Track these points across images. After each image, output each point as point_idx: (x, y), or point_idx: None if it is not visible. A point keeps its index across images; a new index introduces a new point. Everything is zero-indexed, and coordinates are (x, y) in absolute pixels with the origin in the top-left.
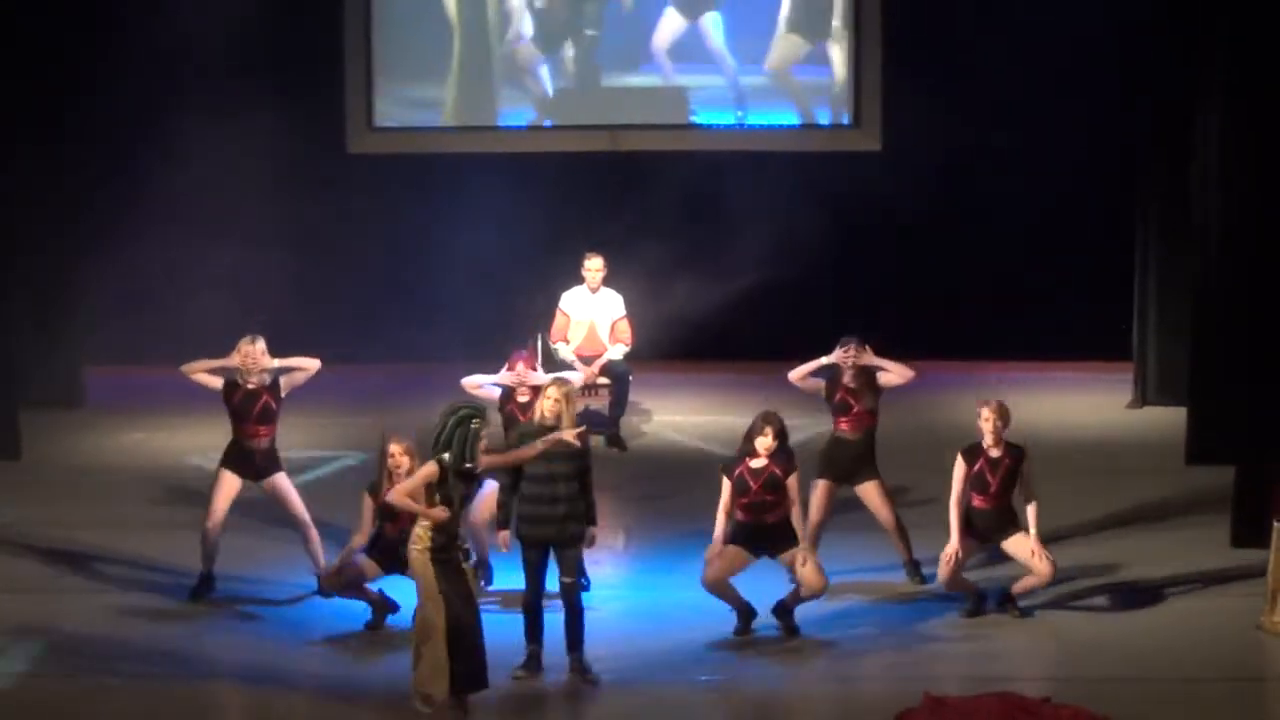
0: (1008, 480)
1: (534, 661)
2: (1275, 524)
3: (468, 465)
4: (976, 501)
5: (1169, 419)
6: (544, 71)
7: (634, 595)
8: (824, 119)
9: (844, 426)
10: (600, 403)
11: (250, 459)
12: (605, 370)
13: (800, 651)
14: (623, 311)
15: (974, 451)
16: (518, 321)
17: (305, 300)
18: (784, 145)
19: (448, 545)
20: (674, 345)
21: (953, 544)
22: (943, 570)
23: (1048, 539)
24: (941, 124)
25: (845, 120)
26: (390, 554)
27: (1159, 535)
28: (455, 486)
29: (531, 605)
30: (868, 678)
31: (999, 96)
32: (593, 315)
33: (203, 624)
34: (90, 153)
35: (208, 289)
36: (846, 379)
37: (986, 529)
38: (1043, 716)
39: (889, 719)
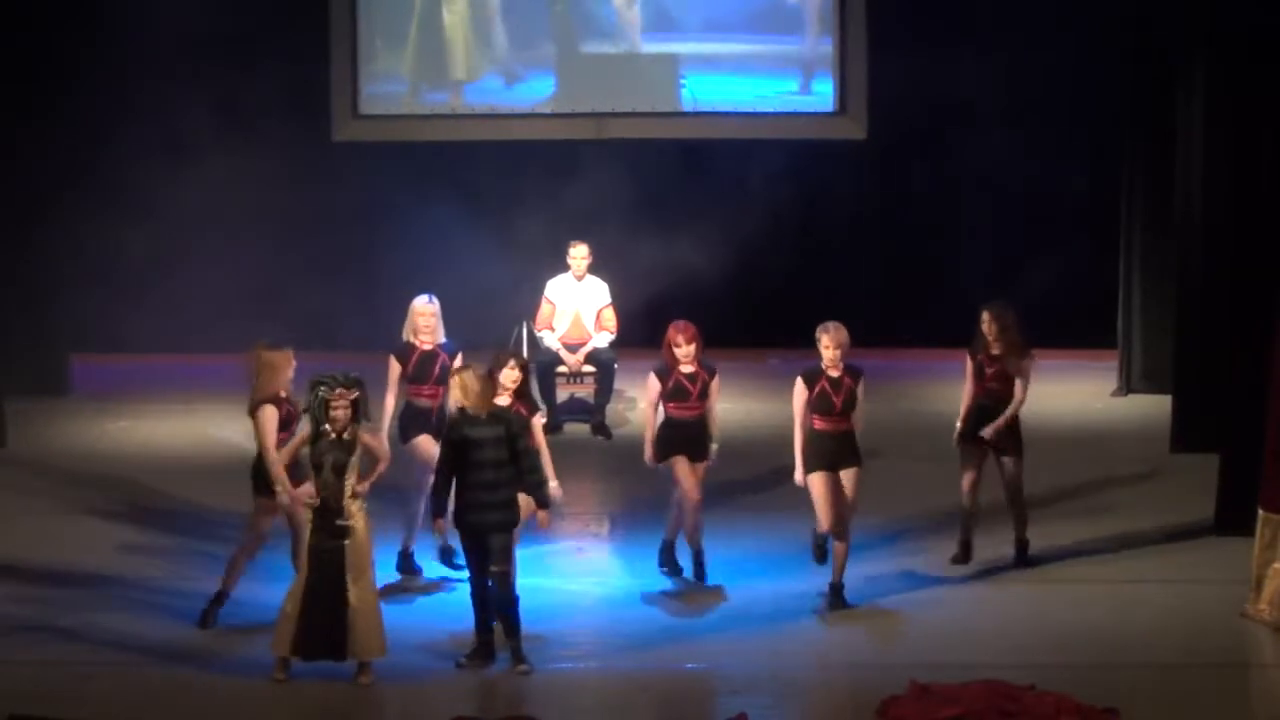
0: (849, 401)
1: (484, 650)
2: (1260, 511)
3: (322, 430)
4: (819, 424)
5: (1154, 407)
6: (533, 45)
7: (618, 581)
8: (812, 90)
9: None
10: (586, 391)
11: (429, 417)
12: (590, 358)
13: (785, 639)
14: (608, 299)
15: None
16: (503, 308)
17: (290, 288)
18: (770, 133)
19: (324, 510)
20: (660, 333)
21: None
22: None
23: (1034, 527)
24: (926, 112)
25: (830, 91)
26: None
27: (1144, 523)
28: (323, 451)
29: (475, 594)
30: (852, 664)
31: (985, 88)
32: (578, 303)
33: (184, 609)
34: (75, 141)
35: (192, 277)
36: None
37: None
38: (1027, 703)
39: (874, 706)
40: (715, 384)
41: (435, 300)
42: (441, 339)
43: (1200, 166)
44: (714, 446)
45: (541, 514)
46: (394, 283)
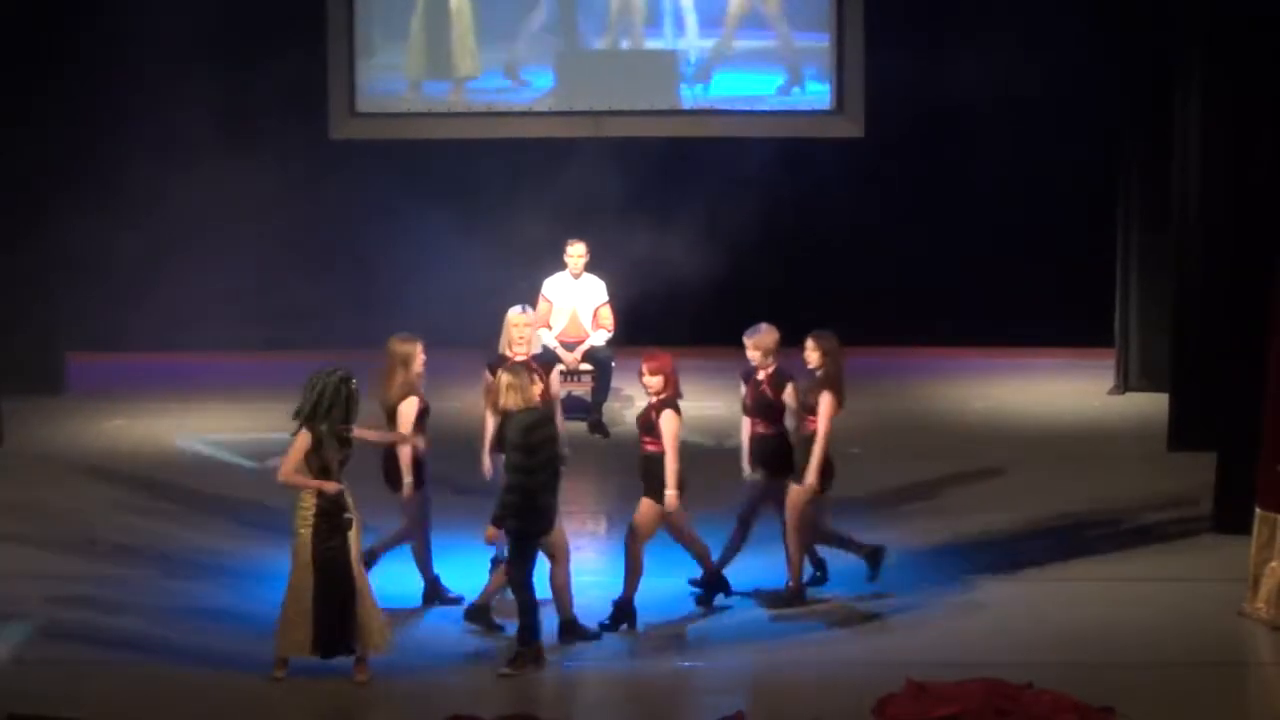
0: (759, 404)
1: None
2: (1257, 510)
3: (348, 428)
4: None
5: (1151, 405)
6: (528, 40)
7: (615, 580)
8: (811, 85)
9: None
10: (583, 389)
11: None
12: (588, 357)
13: (780, 638)
14: (605, 298)
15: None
16: (501, 306)
17: (288, 286)
18: (768, 131)
19: (332, 510)
20: (657, 331)
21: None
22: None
23: (1032, 526)
24: (924, 110)
25: (827, 89)
26: None
27: (1141, 521)
28: (332, 452)
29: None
30: (848, 663)
31: (982, 86)
32: (575, 301)
33: (182, 608)
34: (71, 139)
35: (189, 275)
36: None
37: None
38: (1024, 702)
39: (870, 704)
40: (665, 421)
41: (529, 310)
42: (537, 348)
43: (1198, 166)
44: (669, 493)
45: (490, 529)
46: (391, 280)
